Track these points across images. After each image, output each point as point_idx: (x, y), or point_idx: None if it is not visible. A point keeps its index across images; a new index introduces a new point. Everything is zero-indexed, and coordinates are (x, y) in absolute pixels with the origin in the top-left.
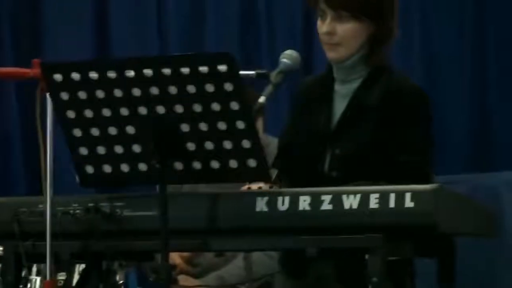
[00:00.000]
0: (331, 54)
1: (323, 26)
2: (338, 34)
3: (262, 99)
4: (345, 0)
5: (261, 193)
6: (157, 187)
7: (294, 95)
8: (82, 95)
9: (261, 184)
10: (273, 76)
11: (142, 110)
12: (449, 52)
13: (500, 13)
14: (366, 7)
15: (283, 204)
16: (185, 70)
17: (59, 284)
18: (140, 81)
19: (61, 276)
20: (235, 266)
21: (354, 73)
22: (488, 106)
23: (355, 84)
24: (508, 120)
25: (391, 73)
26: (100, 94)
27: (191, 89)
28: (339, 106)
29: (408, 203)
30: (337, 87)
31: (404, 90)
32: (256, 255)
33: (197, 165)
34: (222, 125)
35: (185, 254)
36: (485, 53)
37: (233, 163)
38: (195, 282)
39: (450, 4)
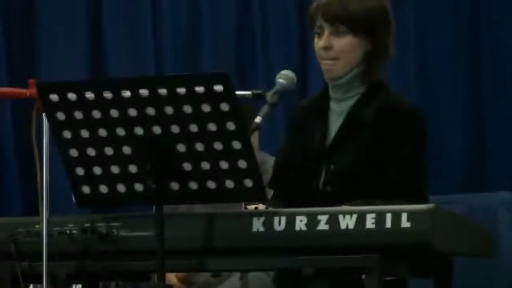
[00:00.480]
0: (328, 71)
1: (320, 42)
2: (335, 48)
3: (258, 119)
4: (342, 14)
5: (257, 213)
6: (154, 207)
7: (289, 117)
8: (78, 115)
9: (259, 205)
10: (269, 96)
11: (138, 130)
12: (444, 71)
13: (495, 31)
14: (363, 23)
15: (279, 224)
16: (181, 90)
17: None
18: (136, 101)
19: None
20: (231, 286)
21: (350, 91)
22: (483, 125)
23: (350, 102)
24: (503, 140)
25: (387, 90)
26: (96, 114)
27: (187, 109)
28: (335, 124)
29: (405, 223)
30: (333, 105)
31: (400, 108)
32: (252, 273)
33: (193, 185)
34: (218, 145)
35: (181, 273)
36: (480, 72)
37: (229, 183)
38: None
39: (445, 22)
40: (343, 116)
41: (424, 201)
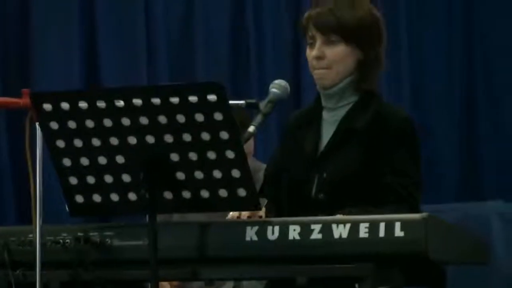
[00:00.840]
0: (320, 80)
1: (312, 51)
2: (327, 57)
3: (251, 128)
4: (334, 23)
5: (250, 222)
6: (147, 216)
7: (283, 127)
8: (71, 124)
9: (247, 213)
10: (263, 105)
11: (132, 140)
12: (437, 81)
13: (488, 42)
14: (355, 32)
15: (272, 233)
16: (175, 100)
17: None
18: (129, 110)
19: None
20: None
21: (343, 100)
22: (476, 135)
23: (343, 111)
24: (496, 150)
25: (380, 99)
26: (89, 123)
27: (180, 118)
28: (327, 132)
29: (398, 232)
30: (325, 115)
31: (392, 115)
32: (246, 282)
33: (186, 194)
34: (211, 155)
35: (175, 282)
36: (474, 82)
37: (222, 192)
38: None
39: (440, 35)
40: (335, 125)
41: (416, 207)
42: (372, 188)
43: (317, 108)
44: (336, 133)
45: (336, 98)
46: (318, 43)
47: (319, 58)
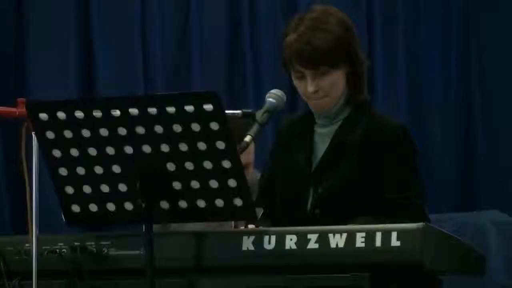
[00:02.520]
0: (318, 107)
1: (307, 87)
2: (322, 88)
3: (248, 138)
4: (320, 56)
5: (247, 232)
6: (143, 226)
7: (275, 133)
8: (67, 134)
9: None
10: (259, 115)
11: (128, 149)
12: (435, 92)
13: (485, 55)
14: (338, 55)
15: (269, 243)
16: (171, 110)
17: None
18: (125, 120)
19: None
20: None
21: (337, 117)
22: (473, 145)
23: (336, 125)
24: (493, 160)
25: (372, 110)
26: (85, 133)
27: (177, 128)
28: (321, 146)
29: (395, 242)
30: (318, 129)
31: (387, 127)
32: None
33: (183, 204)
34: (208, 164)
35: None
36: (471, 93)
37: (219, 202)
38: None
39: (436, 52)
40: (328, 138)
41: (424, 217)
42: (368, 202)
43: (310, 120)
44: (330, 148)
45: (332, 116)
46: (309, 77)
47: (315, 92)
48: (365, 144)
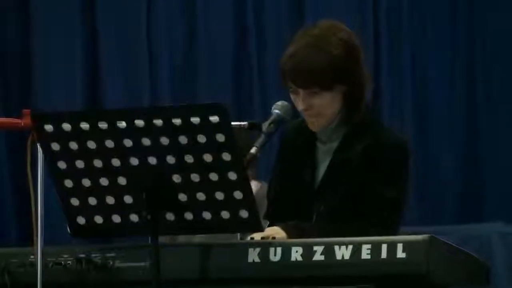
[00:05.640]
0: (312, 125)
1: (299, 104)
2: (315, 107)
3: (254, 150)
4: (311, 78)
5: (253, 244)
6: (149, 238)
7: (280, 140)
8: (73, 145)
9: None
10: (265, 126)
11: (134, 161)
12: (440, 103)
13: (490, 67)
14: (333, 76)
15: (275, 254)
16: (177, 121)
17: None
18: (131, 132)
19: None
20: None
21: (336, 133)
22: (478, 157)
23: (335, 143)
24: (498, 171)
25: (375, 127)
26: (91, 144)
27: (183, 140)
28: (323, 162)
29: (400, 253)
30: (319, 145)
31: (384, 144)
32: None
33: (188, 216)
34: (214, 176)
35: None
36: (476, 105)
37: (225, 214)
38: None
39: (443, 64)
40: (329, 156)
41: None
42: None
43: (312, 134)
44: (330, 166)
45: (328, 134)
46: (302, 96)
47: (307, 109)
48: (364, 161)
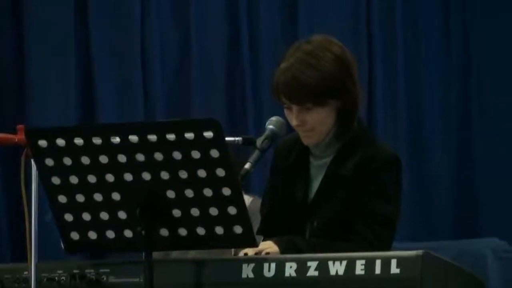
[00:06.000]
0: (306, 140)
1: (292, 119)
2: (308, 122)
3: (248, 165)
4: (304, 94)
5: (247, 260)
6: (143, 253)
7: (273, 155)
8: (67, 161)
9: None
10: (259, 142)
11: (128, 177)
12: (435, 118)
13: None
14: (327, 92)
15: (269, 270)
16: (171, 137)
17: None
18: (125, 147)
19: None
20: None
21: (329, 148)
22: (473, 173)
23: (329, 158)
24: (492, 187)
25: (368, 142)
26: (85, 160)
27: (176, 155)
28: (316, 177)
29: (394, 269)
30: (313, 160)
31: (376, 159)
32: None
33: (182, 231)
34: (208, 192)
35: None
36: (470, 121)
37: (219, 230)
38: None
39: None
40: (323, 171)
41: (379, 244)
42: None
43: (305, 149)
44: (324, 181)
45: (322, 149)
46: (295, 111)
47: (299, 125)
48: (356, 175)
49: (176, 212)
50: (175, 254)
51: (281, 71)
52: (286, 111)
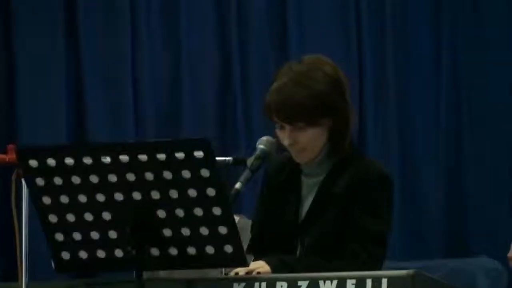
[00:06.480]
0: (298, 158)
1: (284, 139)
2: (300, 142)
3: (238, 185)
4: (297, 113)
5: (237, 279)
6: (134, 273)
7: (264, 176)
8: (57, 181)
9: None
10: (250, 161)
11: (118, 196)
12: (425, 134)
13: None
14: (319, 111)
15: None
16: (161, 156)
17: None
18: (116, 167)
19: None
20: None
21: (321, 167)
22: (464, 191)
23: (321, 177)
24: (483, 206)
25: (359, 160)
26: (76, 180)
27: (167, 175)
28: (307, 196)
29: None
30: (304, 179)
31: (367, 177)
32: None
33: (173, 251)
34: (198, 211)
35: None
36: (461, 136)
37: (209, 249)
38: None
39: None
40: (315, 190)
41: (372, 262)
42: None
43: (297, 168)
44: (316, 200)
45: (313, 168)
46: (288, 131)
47: (292, 145)
48: (348, 194)
49: (167, 232)
50: (162, 273)
51: (273, 91)
52: (278, 131)
